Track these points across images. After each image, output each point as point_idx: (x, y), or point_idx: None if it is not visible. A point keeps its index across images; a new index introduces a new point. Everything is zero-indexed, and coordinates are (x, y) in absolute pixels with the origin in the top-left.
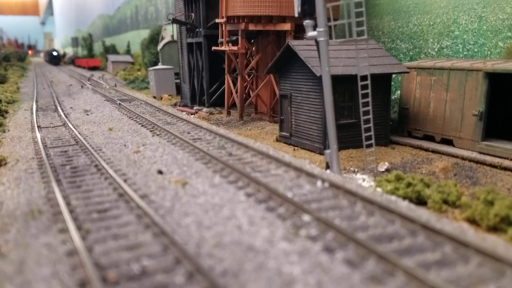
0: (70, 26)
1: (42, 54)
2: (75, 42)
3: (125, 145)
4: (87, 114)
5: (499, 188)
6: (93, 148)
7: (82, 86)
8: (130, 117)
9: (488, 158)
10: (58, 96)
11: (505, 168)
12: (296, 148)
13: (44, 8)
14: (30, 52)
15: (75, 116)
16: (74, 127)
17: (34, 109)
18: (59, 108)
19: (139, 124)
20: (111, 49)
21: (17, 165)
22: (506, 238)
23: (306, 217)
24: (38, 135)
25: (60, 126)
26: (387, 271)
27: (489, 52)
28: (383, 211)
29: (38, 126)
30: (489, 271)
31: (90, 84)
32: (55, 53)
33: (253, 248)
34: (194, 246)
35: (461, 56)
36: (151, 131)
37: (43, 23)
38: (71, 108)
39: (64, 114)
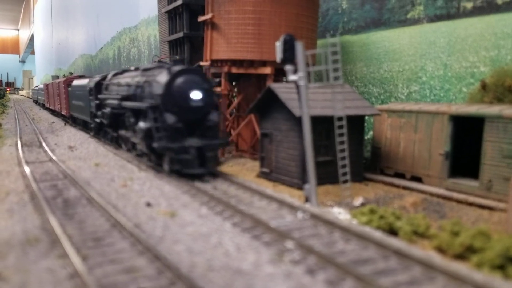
0: (50, 64)
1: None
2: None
3: (112, 180)
4: (72, 151)
5: (464, 222)
6: (82, 181)
7: (65, 123)
8: (115, 154)
9: (455, 194)
10: (41, 132)
11: (470, 204)
12: (275, 184)
13: (24, 47)
14: (8, 89)
15: (60, 152)
16: (60, 162)
17: (19, 144)
18: (43, 144)
19: (125, 160)
20: None
21: (8, 198)
22: (470, 265)
23: (289, 244)
24: (27, 169)
25: (47, 161)
26: None
27: (454, 97)
28: (358, 239)
29: (25, 161)
30: None
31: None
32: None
33: (242, 271)
34: (186, 270)
35: (428, 100)
36: (137, 166)
37: (23, 61)
38: (56, 144)
39: (50, 149)
